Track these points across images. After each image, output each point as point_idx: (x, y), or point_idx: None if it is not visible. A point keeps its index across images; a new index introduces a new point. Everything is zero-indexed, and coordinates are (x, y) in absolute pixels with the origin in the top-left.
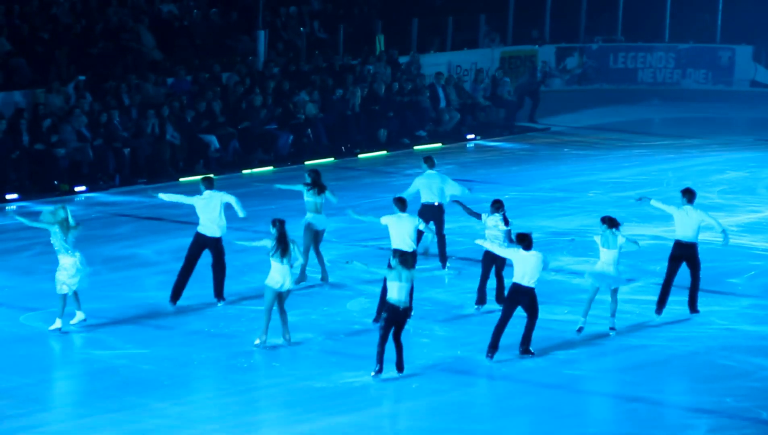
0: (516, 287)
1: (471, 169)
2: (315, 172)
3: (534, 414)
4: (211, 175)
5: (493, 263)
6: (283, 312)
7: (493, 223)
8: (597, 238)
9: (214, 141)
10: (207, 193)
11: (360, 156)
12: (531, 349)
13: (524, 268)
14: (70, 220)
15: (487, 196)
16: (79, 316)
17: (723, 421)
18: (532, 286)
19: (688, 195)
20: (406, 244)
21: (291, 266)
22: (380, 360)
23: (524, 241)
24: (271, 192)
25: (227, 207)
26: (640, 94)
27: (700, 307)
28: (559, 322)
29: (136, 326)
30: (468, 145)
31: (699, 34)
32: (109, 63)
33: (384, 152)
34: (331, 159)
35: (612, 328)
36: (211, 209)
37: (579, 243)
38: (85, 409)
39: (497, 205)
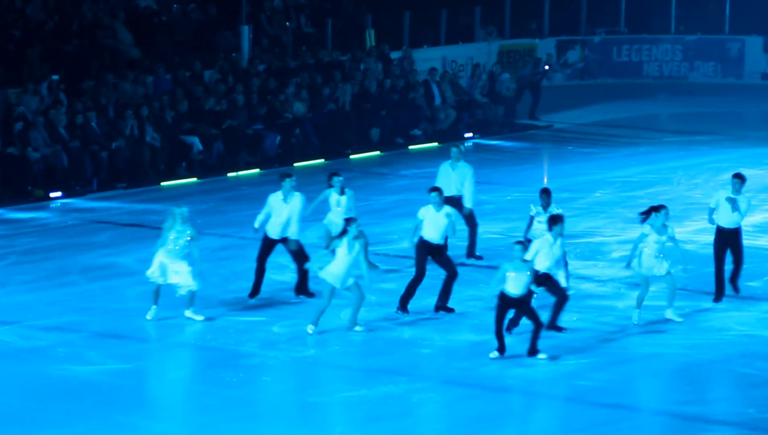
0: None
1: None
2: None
3: (544, 426)
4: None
5: None
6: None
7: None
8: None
9: (196, 142)
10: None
11: (352, 157)
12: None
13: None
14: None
15: (488, 198)
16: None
17: (745, 432)
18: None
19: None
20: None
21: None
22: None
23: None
24: (258, 195)
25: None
26: (646, 89)
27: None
28: (567, 330)
29: (117, 340)
30: (466, 144)
31: (706, 24)
32: (84, 61)
33: (377, 152)
34: (322, 160)
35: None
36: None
37: (586, 246)
38: (65, 430)
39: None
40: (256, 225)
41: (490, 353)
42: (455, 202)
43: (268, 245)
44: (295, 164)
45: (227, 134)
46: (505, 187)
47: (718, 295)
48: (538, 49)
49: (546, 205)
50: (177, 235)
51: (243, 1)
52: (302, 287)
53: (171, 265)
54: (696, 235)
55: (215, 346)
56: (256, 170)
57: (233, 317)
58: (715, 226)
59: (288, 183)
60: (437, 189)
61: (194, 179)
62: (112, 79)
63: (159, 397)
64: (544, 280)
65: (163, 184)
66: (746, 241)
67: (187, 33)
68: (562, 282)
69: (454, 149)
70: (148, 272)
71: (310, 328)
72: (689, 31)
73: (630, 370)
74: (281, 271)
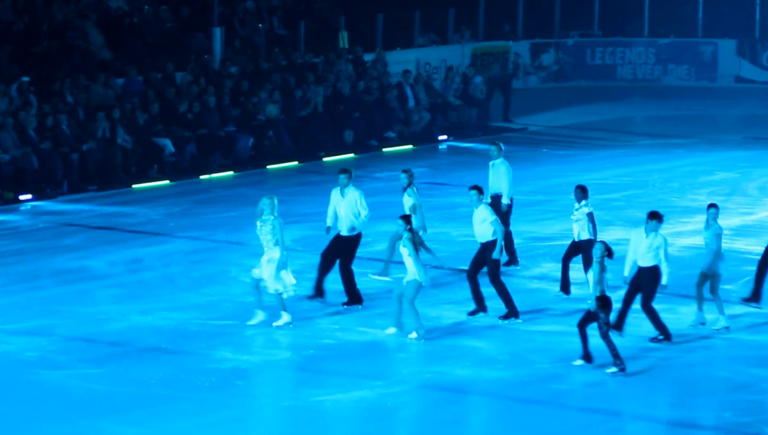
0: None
1: (444, 172)
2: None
3: (521, 431)
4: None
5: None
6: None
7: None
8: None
9: (168, 145)
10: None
11: (325, 159)
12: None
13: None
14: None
15: (462, 201)
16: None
17: None
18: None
19: None
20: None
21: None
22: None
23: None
24: (231, 198)
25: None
26: (620, 92)
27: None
28: (544, 333)
29: (87, 343)
30: (440, 147)
31: (680, 27)
32: (54, 63)
33: (351, 155)
34: (295, 162)
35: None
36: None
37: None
38: None
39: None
40: (328, 223)
41: (574, 361)
42: (495, 200)
43: (333, 241)
44: (268, 166)
45: (200, 136)
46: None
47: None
48: (511, 52)
49: (579, 200)
50: (262, 224)
51: (215, 3)
52: (319, 289)
53: (262, 258)
54: (672, 238)
55: (188, 350)
56: (229, 172)
57: (206, 321)
58: None
59: (342, 178)
60: (475, 187)
61: (166, 181)
62: (83, 81)
63: (130, 402)
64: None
65: (134, 186)
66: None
67: (159, 34)
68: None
69: (492, 147)
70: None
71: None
72: (663, 34)
73: (606, 374)
74: None
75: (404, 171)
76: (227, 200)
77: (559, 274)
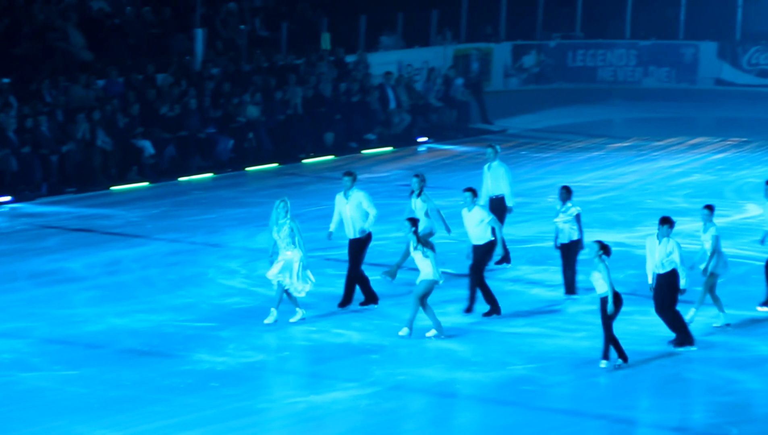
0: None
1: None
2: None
3: (491, 432)
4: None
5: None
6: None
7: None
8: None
9: (148, 146)
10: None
11: (305, 161)
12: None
13: None
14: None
15: (441, 203)
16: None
17: None
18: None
19: None
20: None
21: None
22: (617, 350)
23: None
24: (209, 200)
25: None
26: (600, 94)
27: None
28: (516, 335)
29: (64, 345)
30: (420, 149)
31: (661, 30)
32: (35, 64)
33: (331, 157)
34: (275, 164)
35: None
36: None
37: (537, 251)
38: None
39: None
40: (331, 228)
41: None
42: (496, 202)
43: (350, 247)
44: (248, 169)
45: (180, 138)
46: (459, 191)
47: None
48: (493, 54)
49: (564, 201)
50: (278, 227)
51: (197, 4)
52: (348, 297)
53: (279, 259)
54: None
55: (164, 352)
56: (209, 175)
57: (182, 323)
58: None
59: (346, 180)
60: (469, 189)
61: (146, 183)
62: (63, 82)
63: (105, 404)
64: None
65: (113, 188)
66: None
67: (141, 36)
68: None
69: (489, 149)
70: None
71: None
72: (644, 36)
73: (578, 375)
74: (231, 276)
75: (416, 175)
76: (206, 202)
77: (532, 276)
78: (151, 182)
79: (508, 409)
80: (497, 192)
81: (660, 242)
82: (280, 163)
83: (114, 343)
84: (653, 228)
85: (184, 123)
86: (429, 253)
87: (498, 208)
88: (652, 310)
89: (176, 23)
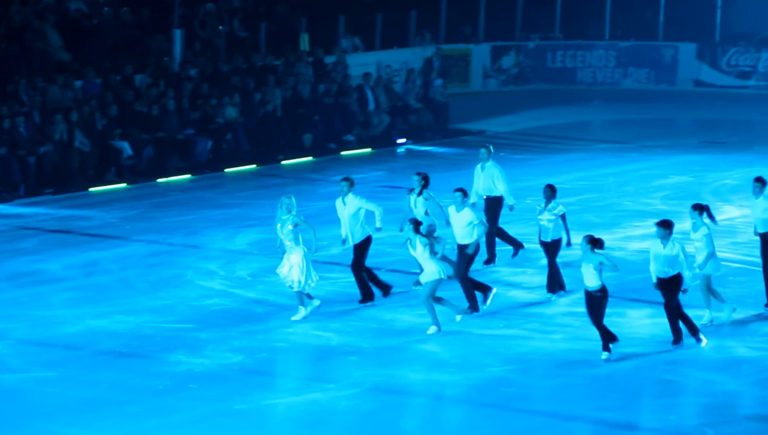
0: None
1: (402, 176)
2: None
3: (471, 434)
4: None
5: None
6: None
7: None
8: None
9: (126, 147)
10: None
11: (283, 162)
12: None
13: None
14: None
15: None
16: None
17: None
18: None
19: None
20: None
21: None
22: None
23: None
24: (188, 201)
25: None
26: (580, 95)
27: (644, 321)
28: (494, 337)
29: (42, 347)
30: (398, 150)
31: (640, 31)
32: (12, 65)
33: (309, 158)
34: (253, 166)
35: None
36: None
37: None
38: None
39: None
40: (343, 234)
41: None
42: (490, 202)
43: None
44: (226, 170)
45: (158, 139)
46: (437, 193)
47: None
48: (472, 55)
49: (548, 201)
50: (282, 224)
51: (175, 5)
52: (366, 295)
53: (285, 257)
54: (625, 241)
55: (142, 353)
56: (187, 176)
57: (160, 324)
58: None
59: (343, 186)
60: (459, 189)
61: (124, 185)
62: (40, 83)
63: (84, 405)
64: None
65: (91, 189)
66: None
67: (119, 36)
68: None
69: (482, 150)
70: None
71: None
72: (623, 38)
73: (556, 376)
74: (210, 277)
75: (418, 173)
76: (184, 203)
77: (510, 278)
78: (129, 183)
79: (489, 410)
80: (491, 192)
81: (665, 247)
82: (258, 165)
83: (92, 344)
84: (631, 230)
85: (162, 124)
86: (438, 247)
87: (493, 208)
88: (631, 312)
89: (154, 24)
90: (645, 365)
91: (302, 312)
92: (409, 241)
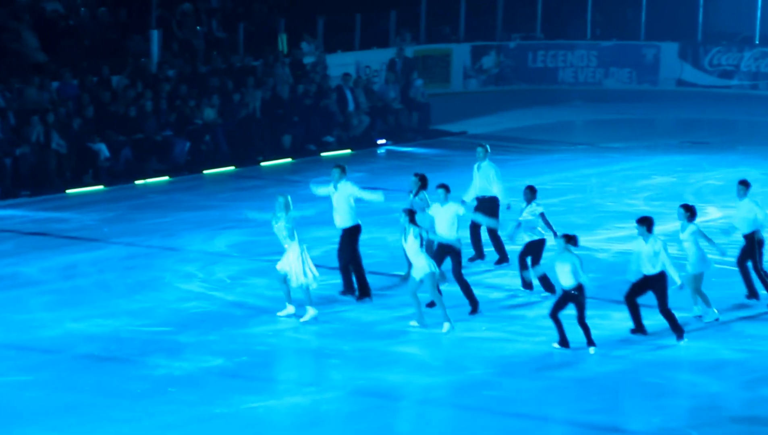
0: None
1: (382, 177)
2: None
3: None
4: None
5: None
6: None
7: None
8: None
9: (104, 149)
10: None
11: (263, 164)
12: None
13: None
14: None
15: (400, 206)
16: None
17: None
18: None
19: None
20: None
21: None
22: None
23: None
24: (166, 203)
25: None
26: (561, 95)
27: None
28: (477, 339)
29: (20, 351)
30: (379, 151)
31: (622, 30)
32: None
33: (289, 160)
34: (232, 167)
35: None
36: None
37: (497, 254)
38: None
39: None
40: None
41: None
42: (485, 202)
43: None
44: (205, 172)
45: (136, 141)
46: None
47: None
48: (452, 55)
49: (529, 202)
50: (276, 222)
51: (153, 5)
52: (348, 285)
53: (285, 254)
54: (608, 243)
55: (120, 357)
56: (165, 178)
57: (139, 328)
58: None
59: (334, 172)
60: (442, 186)
61: (101, 187)
62: (16, 84)
63: (62, 410)
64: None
65: (68, 191)
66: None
67: (95, 37)
68: None
69: (479, 149)
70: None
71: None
72: (605, 37)
73: (539, 379)
74: (188, 280)
75: (416, 175)
76: (162, 206)
77: (492, 280)
78: (106, 185)
79: (472, 414)
80: (486, 192)
81: (647, 242)
82: (237, 166)
83: (70, 348)
84: (614, 231)
85: (140, 125)
86: (421, 246)
87: (488, 208)
88: (614, 314)
89: (131, 25)
90: (629, 367)
91: (311, 311)
92: (402, 231)
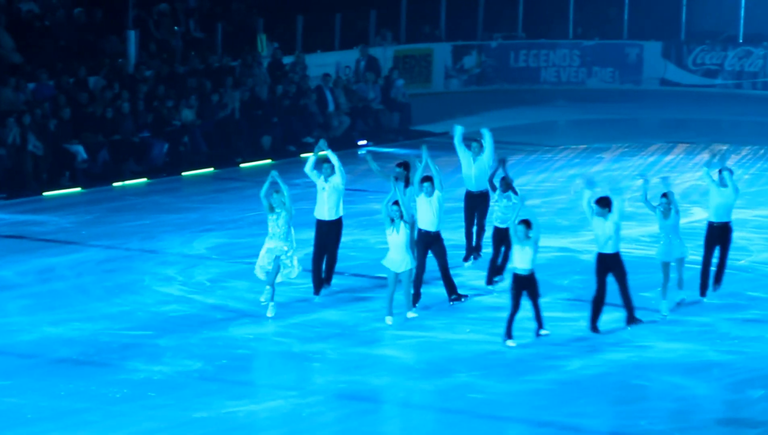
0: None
1: (364, 178)
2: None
3: None
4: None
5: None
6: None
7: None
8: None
9: (81, 151)
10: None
11: (242, 165)
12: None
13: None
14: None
15: (376, 208)
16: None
17: None
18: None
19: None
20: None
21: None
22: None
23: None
24: (144, 205)
25: None
26: (544, 95)
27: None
28: (460, 341)
29: None
30: (360, 152)
31: (605, 30)
32: None
33: (268, 161)
34: (211, 169)
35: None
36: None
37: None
38: None
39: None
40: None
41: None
42: (474, 197)
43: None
44: (184, 173)
45: (113, 142)
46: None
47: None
48: (433, 55)
49: (504, 190)
50: (273, 217)
51: (129, 5)
52: (328, 278)
53: (273, 248)
54: (591, 244)
55: (99, 361)
56: (143, 180)
57: (117, 331)
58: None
59: (326, 168)
60: (427, 178)
61: (78, 189)
62: None
63: (39, 414)
64: None
65: (45, 194)
66: (640, 252)
67: (71, 38)
68: None
69: (473, 144)
70: (257, 264)
71: (388, 320)
72: (587, 37)
73: (523, 382)
74: (167, 283)
75: (399, 164)
76: (141, 208)
77: (476, 283)
78: (84, 188)
79: (455, 417)
80: (482, 187)
81: (607, 219)
82: (216, 168)
83: (48, 352)
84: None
85: (117, 127)
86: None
87: (481, 202)
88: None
89: (108, 25)
90: (614, 370)
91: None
92: (392, 224)
